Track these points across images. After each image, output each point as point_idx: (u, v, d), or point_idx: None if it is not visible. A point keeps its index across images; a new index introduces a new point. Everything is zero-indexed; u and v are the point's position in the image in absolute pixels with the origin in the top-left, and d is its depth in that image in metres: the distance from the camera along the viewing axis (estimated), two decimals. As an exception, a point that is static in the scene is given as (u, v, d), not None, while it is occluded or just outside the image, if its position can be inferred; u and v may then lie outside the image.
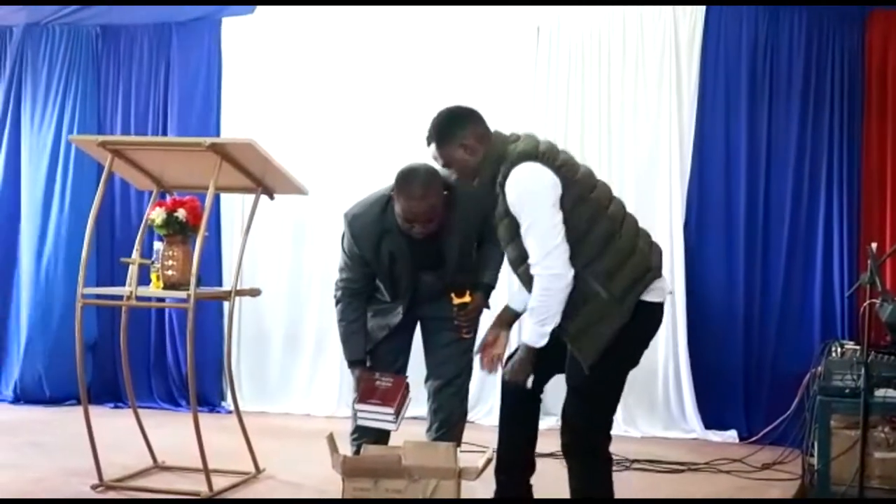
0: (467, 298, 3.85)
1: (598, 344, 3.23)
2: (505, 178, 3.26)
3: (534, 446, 3.70)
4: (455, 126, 3.38)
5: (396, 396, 3.90)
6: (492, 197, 3.43)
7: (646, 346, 3.45)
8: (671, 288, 3.45)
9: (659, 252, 3.43)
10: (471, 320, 3.94)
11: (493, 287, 4.02)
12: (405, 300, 3.99)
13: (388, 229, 3.82)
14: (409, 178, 3.70)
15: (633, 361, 3.42)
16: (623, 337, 3.26)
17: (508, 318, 3.64)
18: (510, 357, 3.52)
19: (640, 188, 6.38)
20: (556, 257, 3.20)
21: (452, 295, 3.86)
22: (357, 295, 4.00)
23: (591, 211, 3.27)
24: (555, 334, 3.31)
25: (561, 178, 3.24)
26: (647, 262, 3.34)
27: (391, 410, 3.87)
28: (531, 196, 3.22)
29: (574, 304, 3.24)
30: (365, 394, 3.92)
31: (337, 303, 4.03)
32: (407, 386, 3.97)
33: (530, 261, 3.25)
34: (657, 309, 3.37)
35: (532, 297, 3.28)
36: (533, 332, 3.30)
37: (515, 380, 3.44)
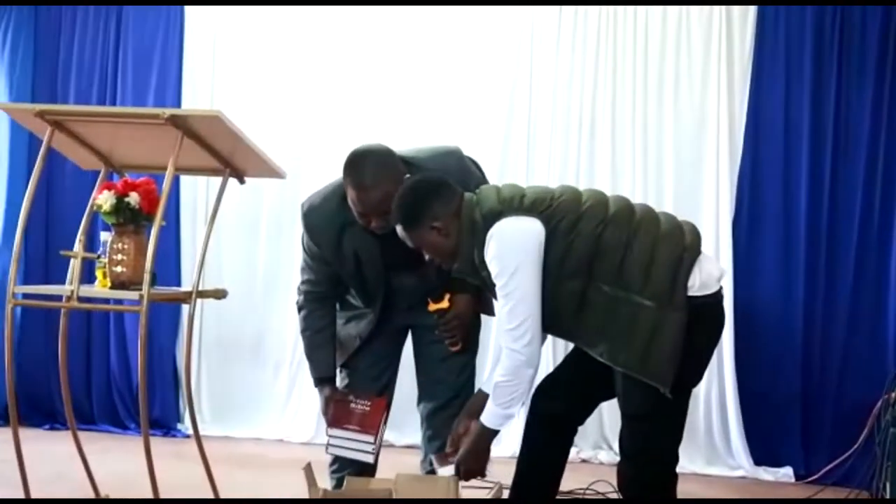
0: (444, 304, 3.79)
1: (667, 358, 3.27)
2: (483, 249, 3.34)
3: (556, 490, 3.72)
4: (421, 206, 3.42)
5: (377, 423, 3.87)
6: (471, 174, 3.69)
7: (710, 353, 3.52)
8: (722, 270, 3.49)
9: (692, 230, 3.46)
10: (453, 329, 3.86)
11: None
12: (376, 306, 3.95)
13: (351, 222, 3.78)
14: (357, 163, 3.66)
15: (698, 375, 3.48)
16: (684, 347, 3.29)
17: (481, 403, 3.60)
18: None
19: (682, 177, 6.40)
20: (532, 326, 3.31)
21: (429, 300, 3.82)
22: (322, 300, 3.99)
23: (591, 226, 3.33)
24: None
25: (538, 217, 3.32)
26: (678, 243, 3.37)
27: (371, 439, 3.85)
28: (513, 247, 3.30)
29: (623, 331, 3.29)
30: (338, 418, 3.89)
31: (300, 310, 4.03)
32: (387, 408, 3.96)
33: (500, 327, 3.38)
34: (711, 303, 3.38)
35: (499, 372, 3.39)
36: (494, 413, 3.42)
37: (469, 470, 3.53)
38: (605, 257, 3.30)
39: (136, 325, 5.95)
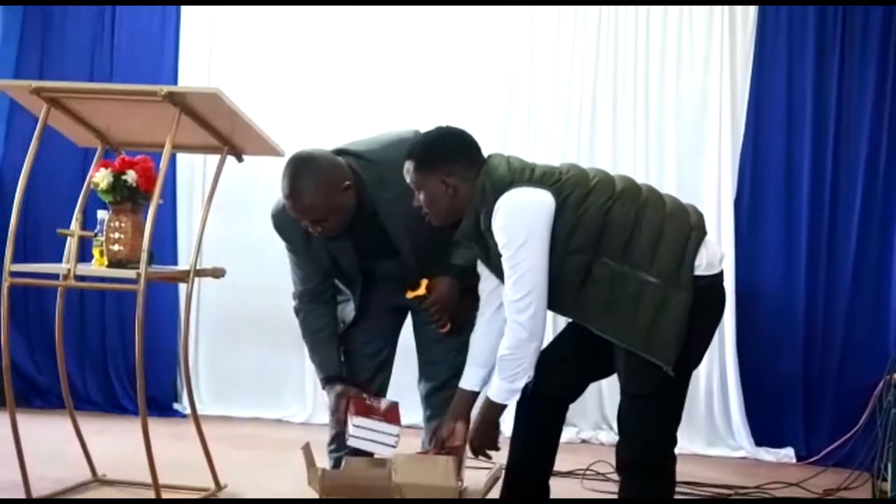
0: (421, 291, 3.76)
1: (672, 337, 3.26)
2: (489, 218, 3.31)
3: (551, 469, 3.72)
4: (443, 157, 3.40)
5: (396, 417, 3.82)
6: None
7: (712, 334, 3.52)
8: (722, 252, 3.49)
9: (696, 211, 3.47)
10: (436, 313, 3.84)
11: (467, 268, 3.77)
12: (356, 294, 3.95)
13: None
14: (288, 170, 3.61)
15: (699, 356, 3.47)
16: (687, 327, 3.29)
17: (466, 403, 3.62)
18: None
19: (683, 156, 6.40)
20: (537, 298, 3.29)
21: (407, 289, 3.80)
22: (317, 298, 3.95)
23: (601, 200, 3.32)
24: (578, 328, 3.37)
25: (549, 189, 3.31)
26: (685, 222, 3.38)
27: (395, 430, 3.76)
28: (523, 218, 3.28)
29: (627, 308, 3.28)
30: (361, 410, 3.81)
31: (297, 314, 4.00)
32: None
33: (505, 298, 3.35)
34: (715, 283, 3.39)
35: (503, 345, 3.37)
36: (500, 388, 3.41)
37: (480, 447, 3.54)
38: (614, 233, 3.29)
39: (133, 304, 5.97)
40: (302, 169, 3.59)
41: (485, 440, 3.54)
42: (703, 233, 3.37)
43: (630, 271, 3.27)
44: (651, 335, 3.25)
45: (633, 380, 3.38)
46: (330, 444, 4.06)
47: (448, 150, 3.41)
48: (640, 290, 3.25)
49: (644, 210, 3.34)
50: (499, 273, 3.39)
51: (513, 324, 3.33)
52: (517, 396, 3.42)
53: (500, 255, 3.31)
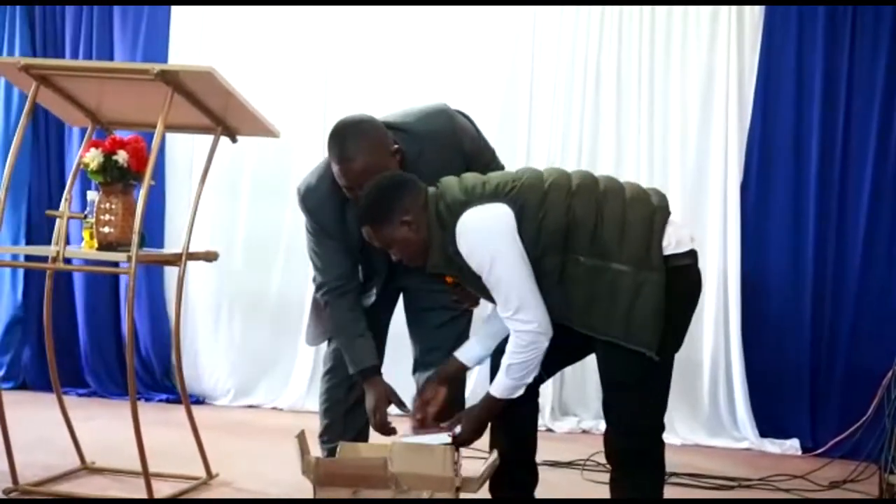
0: None
1: (650, 321, 3.29)
2: (455, 241, 3.35)
3: (534, 452, 3.77)
4: (391, 200, 3.42)
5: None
6: (464, 131, 3.78)
7: (690, 315, 3.52)
8: (692, 234, 3.50)
9: (658, 193, 3.52)
10: (471, 296, 3.82)
11: None
12: (380, 280, 3.96)
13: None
14: (338, 136, 3.64)
15: (678, 339, 3.48)
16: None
17: (453, 371, 3.69)
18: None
19: (688, 138, 6.39)
20: (532, 307, 3.34)
21: (447, 279, 3.75)
22: (343, 286, 3.89)
23: (559, 199, 3.37)
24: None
25: (504, 201, 3.35)
26: (647, 204, 3.43)
27: (446, 439, 3.71)
28: (485, 238, 3.33)
29: (605, 300, 3.32)
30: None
31: (324, 306, 3.94)
32: None
33: (500, 313, 3.39)
34: (688, 263, 3.41)
35: (508, 353, 3.41)
36: (507, 385, 3.44)
37: (469, 441, 3.57)
38: (579, 228, 3.34)
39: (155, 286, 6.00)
40: (351, 133, 3.62)
41: (475, 436, 3.57)
42: (667, 213, 3.42)
43: (601, 263, 3.31)
44: (630, 323, 3.29)
45: (615, 370, 3.42)
46: (322, 435, 4.08)
47: (390, 195, 3.43)
48: (614, 280, 3.30)
49: (605, 200, 3.38)
50: (478, 289, 3.45)
51: (514, 333, 3.37)
52: (522, 392, 3.44)
53: (475, 275, 3.36)
